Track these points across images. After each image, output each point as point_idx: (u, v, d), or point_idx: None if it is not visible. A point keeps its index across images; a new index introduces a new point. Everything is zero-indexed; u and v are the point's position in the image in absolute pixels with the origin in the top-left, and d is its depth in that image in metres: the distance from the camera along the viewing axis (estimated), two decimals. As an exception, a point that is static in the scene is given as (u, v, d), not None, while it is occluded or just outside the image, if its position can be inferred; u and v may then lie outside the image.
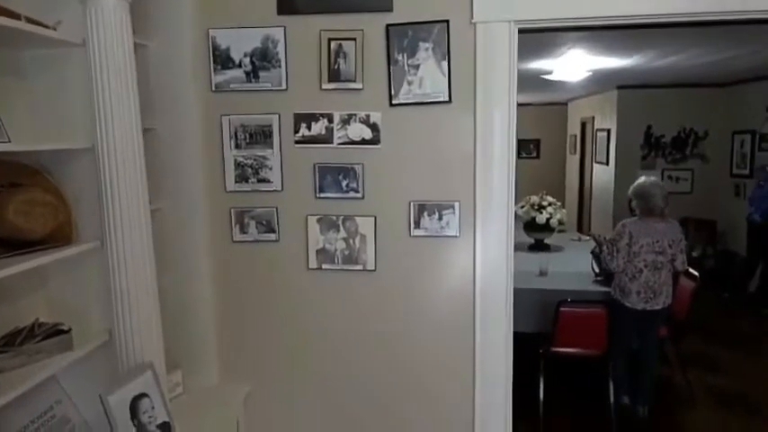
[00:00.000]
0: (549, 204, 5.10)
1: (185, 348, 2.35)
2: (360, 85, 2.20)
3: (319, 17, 2.18)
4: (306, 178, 2.29)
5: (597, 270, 4.08)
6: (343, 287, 2.36)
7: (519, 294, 2.38)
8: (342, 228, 2.31)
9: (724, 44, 4.51)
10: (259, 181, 2.32)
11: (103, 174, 1.75)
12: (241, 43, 2.22)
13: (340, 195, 2.28)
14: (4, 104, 1.63)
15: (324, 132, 2.25)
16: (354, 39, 2.16)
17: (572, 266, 4.52)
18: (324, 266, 2.34)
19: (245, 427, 2.40)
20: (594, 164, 8.98)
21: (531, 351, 3.55)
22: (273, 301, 2.41)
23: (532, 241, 5.24)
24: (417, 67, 2.16)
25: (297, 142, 2.27)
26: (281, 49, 2.21)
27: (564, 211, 5.21)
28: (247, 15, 2.21)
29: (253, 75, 2.24)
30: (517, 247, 2.41)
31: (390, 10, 2.14)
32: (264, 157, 2.30)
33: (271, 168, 2.30)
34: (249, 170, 2.31)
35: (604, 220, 8.11)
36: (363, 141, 2.24)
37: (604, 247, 3.64)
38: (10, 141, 1.58)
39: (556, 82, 6.50)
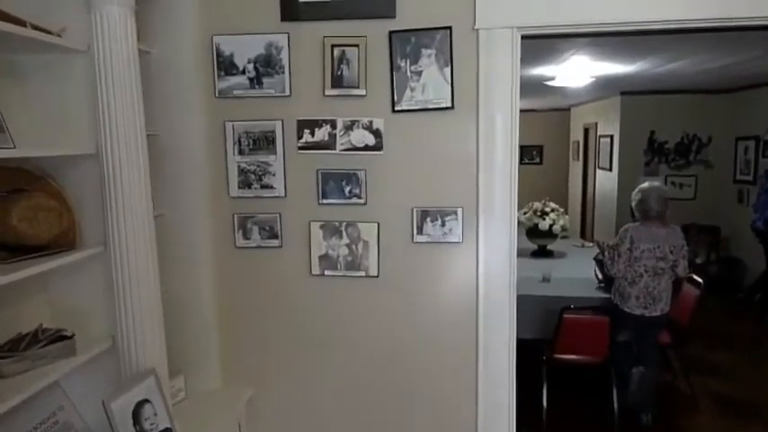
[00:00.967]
0: (552, 210, 5.10)
1: (188, 353, 2.35)
2: (363, 92, 2.20)
3: (323, 23, 2.19)
4: (309, 184, 2.30)
5: (600, 277, 4.07)
6: (346, 293, 2.36)
7: (522, 301, 2.38)
8: (344, 234, 2.31)
9: (728, 50, 4.50)
10: (262, 187, 2.32)
11: (107, 179, 1.76)
12: (245, 50, 2.23)
13: (343, 201, 2.29)
14: (7, 110, 1.64)
15: (327, 138, 2.26)
16: (357, 45, 2.17)
17: (575, 273, 4.51)
18: (326, 272, 2.34)
19: (247, 433, 2.40)
20: (597, 170, 8.97)
21: (533, 357, 3.54)
22: (276, 306, 2.41)
23: (535, 247, 5.24)
24: (420, 73, 2.17)
25: (300, 148, 2.28)
26: (284, 55, 2.22)
27: (567, 217, 5.21)
28: (251, 22, 2.22)
29: (256, 81, 2.25)
30: (520, 254, 2.41)
31: (393, 16, 2.15)
32: (268, 163, 2.30)
33: (274, 174, 2.31)
34: (252, 176, 2.32)
35: (607, 226, 8.09)
36: (366, 147, 2.24)
37: (606, 252, 3.65)
38: (15, 147, 1.59)
39: (558, 88, 6.50)
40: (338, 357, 2.41)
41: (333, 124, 2.24)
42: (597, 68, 5.40)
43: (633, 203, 3.69)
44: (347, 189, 2.28)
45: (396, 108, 2.20)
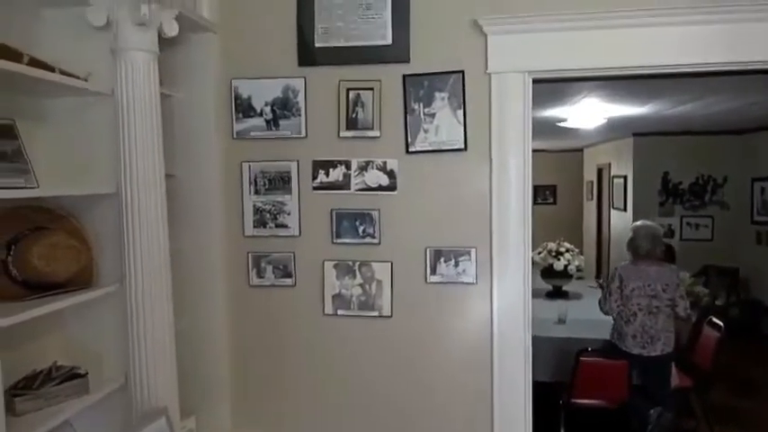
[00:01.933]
0: (567, 251, 5.05)
1: (199, 392, 2.34)
2: (377, 133, 2.24)
3: (338, 68, 2.25)
4: (323, 224, 2.32)
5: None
6: (359, 333, 2.34)
7: (537, 342, 2.34)
8: (358, 273, 2.31)
9: (739, 92, 4.53)
10: (277, 226, 2.34)
11: (126, 218, 1.79)
12: (262, 93, 2.30)
13: (356, 241, 2.30)
14: (30, 150, 1.69)
15: (341, 179, 2.29)
16: (372, 88, 2.22)
17: (591, 314, 4.41)
18: (339, 312, 2.34)
19: (257, 477, 2.35)
20: (612, 210, 8.93)
21: (550, 400, 3.45)
22: (288, 346, 2.39)
23: (550, 288, 5.17)
24: (433, 115, 2.21)
25: (315, 188, 2.31)
26: (300, 98, 2.28)
27: (582, 257, 5.16)
28: (269, 66, 2.29)
29: (273, 123, 2.30)
30: (534, 294, 2.38)
31: (407, 61, 2.21)
32: (283, 203, 2.33)
33: (289, 213, 2.33)
34: (267, 215, 2.35)
35: (623, 266, 7.97)
36: (380, 188, 2.27)
37: (602, 291, 3.64)
38: (39, 187, 1.63)
39: (571, 129, 6.54)
40: (350, 399, 2.38)
41: (347, 165, 2.28)
42: (609, 110, 5.44)
43: (626, 242, 3.69)
44: (361, 228, 2.29)
45: (410, 149, 2.23)
